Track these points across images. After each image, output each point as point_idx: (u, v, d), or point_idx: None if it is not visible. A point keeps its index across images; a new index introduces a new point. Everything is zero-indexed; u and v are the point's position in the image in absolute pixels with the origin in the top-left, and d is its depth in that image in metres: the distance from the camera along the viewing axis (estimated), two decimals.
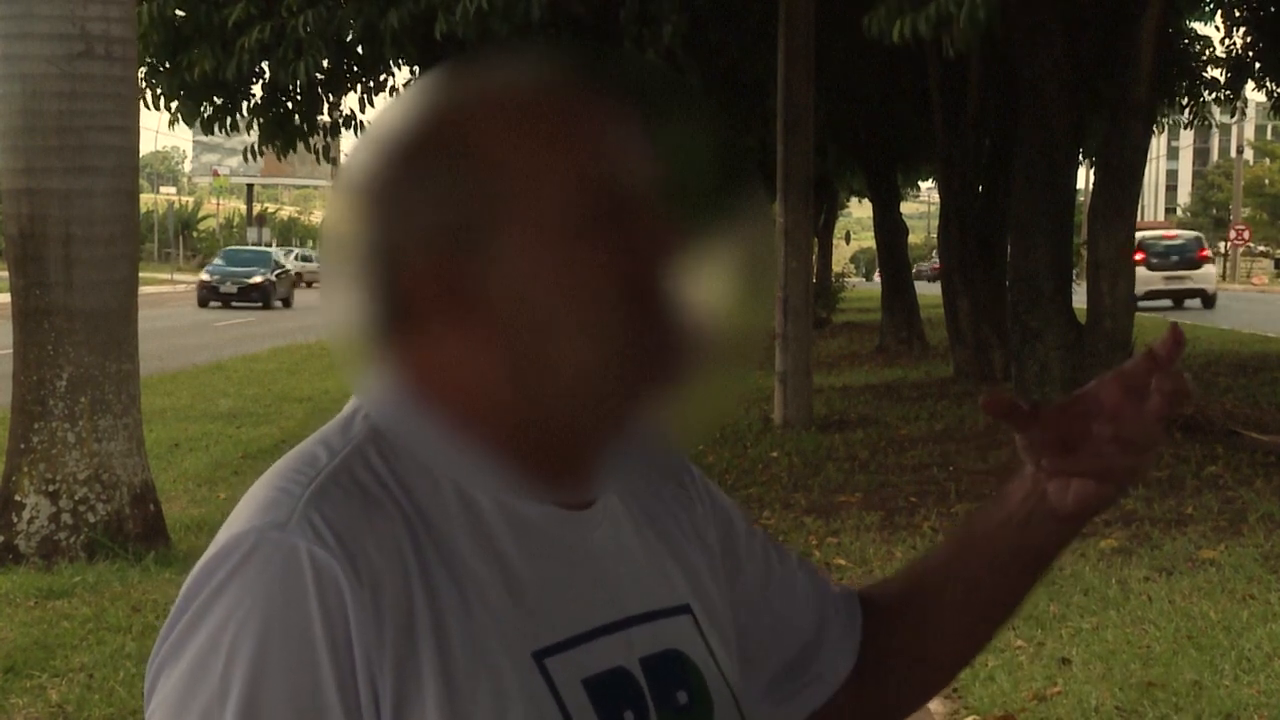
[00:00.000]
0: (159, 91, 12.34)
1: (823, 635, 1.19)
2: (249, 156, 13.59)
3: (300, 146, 13.37)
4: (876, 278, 53.96)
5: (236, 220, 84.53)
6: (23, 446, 6.78)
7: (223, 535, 0.92)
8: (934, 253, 44.73)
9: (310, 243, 74.77)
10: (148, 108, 12.30)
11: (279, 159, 13.97)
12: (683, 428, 1.07)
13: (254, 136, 13.25)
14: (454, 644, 0.91)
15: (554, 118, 0.96)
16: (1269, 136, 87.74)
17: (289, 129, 13.05)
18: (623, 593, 1.01)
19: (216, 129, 12.95)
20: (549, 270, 0.93)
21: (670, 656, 1.02)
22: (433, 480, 0.96)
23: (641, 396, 0.97)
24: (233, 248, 45.48)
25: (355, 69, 12.94)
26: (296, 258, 49.12)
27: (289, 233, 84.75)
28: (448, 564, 0.93)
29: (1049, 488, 1.10)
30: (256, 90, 12.79)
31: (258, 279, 36.69)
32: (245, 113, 12.90)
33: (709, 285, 0.97)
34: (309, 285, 45.42)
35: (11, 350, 6.91)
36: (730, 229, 1.01)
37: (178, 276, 56.45)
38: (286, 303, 38.19)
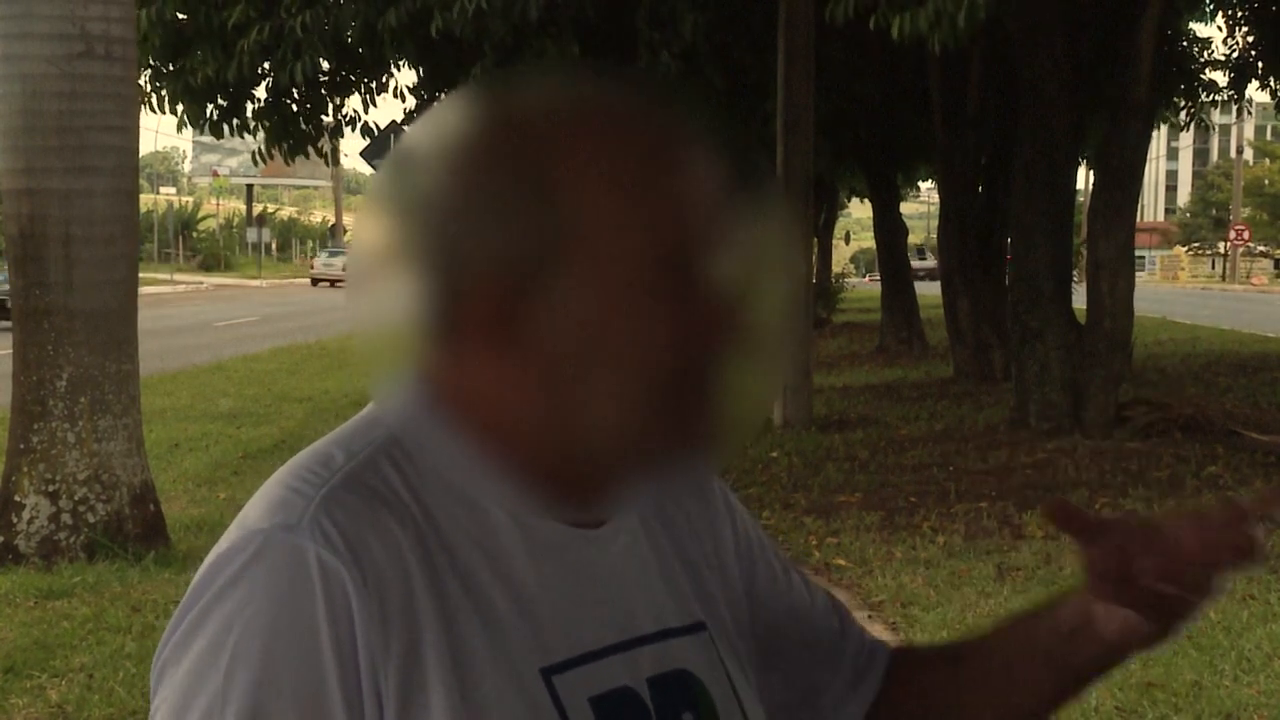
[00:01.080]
0: (163, 94, 12.35)
1: (835, 677, 1.17)
2: (257, 160, 13.58)
3: (308, 150, 13.38)
4: (867, 279, 53.66)
5: (236, 221, 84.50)
6: (22, 447, 6.78)
7: (233, 532, 0.92)
8: (923, 251, 44.43)
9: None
10: (152, 111, 12.32)
11: (287, 163, 13.95)
12: (699, 476, 1.08)
13: (260, 140, 13.25)
14: (461, 655, 0.91)
15: (645, 163, 0.92)
16: (1269, 136, 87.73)
17: (295, 132, 13.04)
18: (635, 611, 1.00)
19: (221, 131, 12.94)
20: (606, 317, 0.91)
21: (678, 677, 1.01)
22: (447, 492, 0.95)
23: (667, 453, 0.96)
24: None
25: (357, 70, 12.94)
26: None
27: (289, 233, 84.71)
28: (458, 575, 0.93)
29: (1097, 609, 1.08)
30: (260, 93, 12.80)
31: None
32: (250, 116, 12.90)
33: (745, 369, 0.96)
34: None
35: (11, 350, 6.91)
36: (772, 321, 1.00)
37: (177, 277, 56.42)
38: None
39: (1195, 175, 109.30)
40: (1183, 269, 75.50)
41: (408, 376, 0.98)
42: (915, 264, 29.41)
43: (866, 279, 52.71)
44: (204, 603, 0.89)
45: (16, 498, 6.75)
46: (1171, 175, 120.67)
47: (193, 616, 0.90)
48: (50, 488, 6.71)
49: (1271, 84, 17.90)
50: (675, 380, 0.93)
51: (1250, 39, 17.31)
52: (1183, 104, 17.94)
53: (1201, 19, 18.26)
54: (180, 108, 12.39)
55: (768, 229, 1.00)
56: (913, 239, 28.85)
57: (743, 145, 1.00)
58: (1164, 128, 19.45)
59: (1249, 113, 20.31)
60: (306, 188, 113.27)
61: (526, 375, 0.93)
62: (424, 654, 0.90)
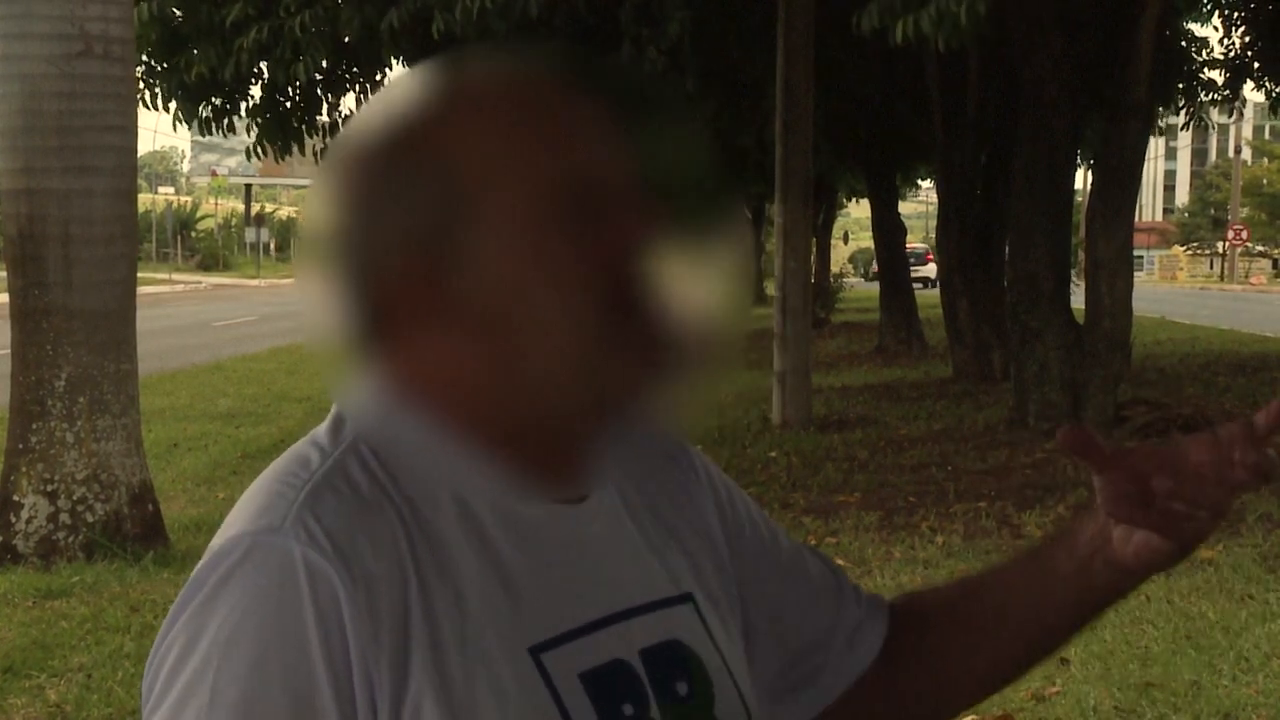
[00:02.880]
0: (157, 91, 12.33)
1: (834, 636, 1.18)
2: (250, 156, 13.59)
3: (298, 147, 13.36)
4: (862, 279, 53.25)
5: (235, 220, 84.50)
6: (21, 446, 6.77)
7: (218, 539, 0.93)
8: (921, 257, 43.69)
9: None
10: (146, 108, 12.30)
11: (277, 161, 13.96)
12: (670, 419, 1.07)
13: (252, 137, 13.25)
14: (450, 642, 0.91)
15: (519, 114, 0.96)
16: (1267, 136, 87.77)
17: (288, 130, 13.04)
18: (622, 585, 1.01)
19: (215, 129, 12.94)
20: (522, 265, 0.94)
21: (670, 647, 1.01)
22: (422, 481, 0.96)
23: (622, 387, 0.97)
24: None
25: (354, 69, 12.93)
26: None
27: (287, 233, 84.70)
28: (442, 562, 0.93)
29: (1114, 534, 1.09)
30: (255, 91, 12.79)
31: None
32: (244, 113, 12.89)
33: (684, 279, 0.97)
34: None
35: (10, 350, 6.91)
36: (704, 222, 1.01)
37: (176, 276, 56.43)
38: None
39: (1194, 175, 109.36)
40: (1181, 269, 75.52)
41: (364, 371, 0.99)
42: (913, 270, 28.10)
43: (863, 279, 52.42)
44: (193, 608, 0.90)
45: (15, 497, 6.75)
46: (1170, 175, 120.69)
47: (183, 622, 0.90)
48: (49, 487, 6.71)
49: (1267, 84, 17.90)
50: (607, 305, 0.94)
51: (1246, 39, 17.32)
52: (1181, 104, 17.94)
53: (1199, 19, 18.27)
54: (174, 105, 12.38)
55: (669, 139, 1.03)
56: (912, 239, 28.78)
57: (635, 79, 1.06)
58: (1162, 130, 19.44)
59: (1241, 113, 20.28)
60: (305, 187, 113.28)
61: (468, 344, 0.95)
62: (414, 644, 0.90)
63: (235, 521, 0.93)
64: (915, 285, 22.75)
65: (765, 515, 1.20)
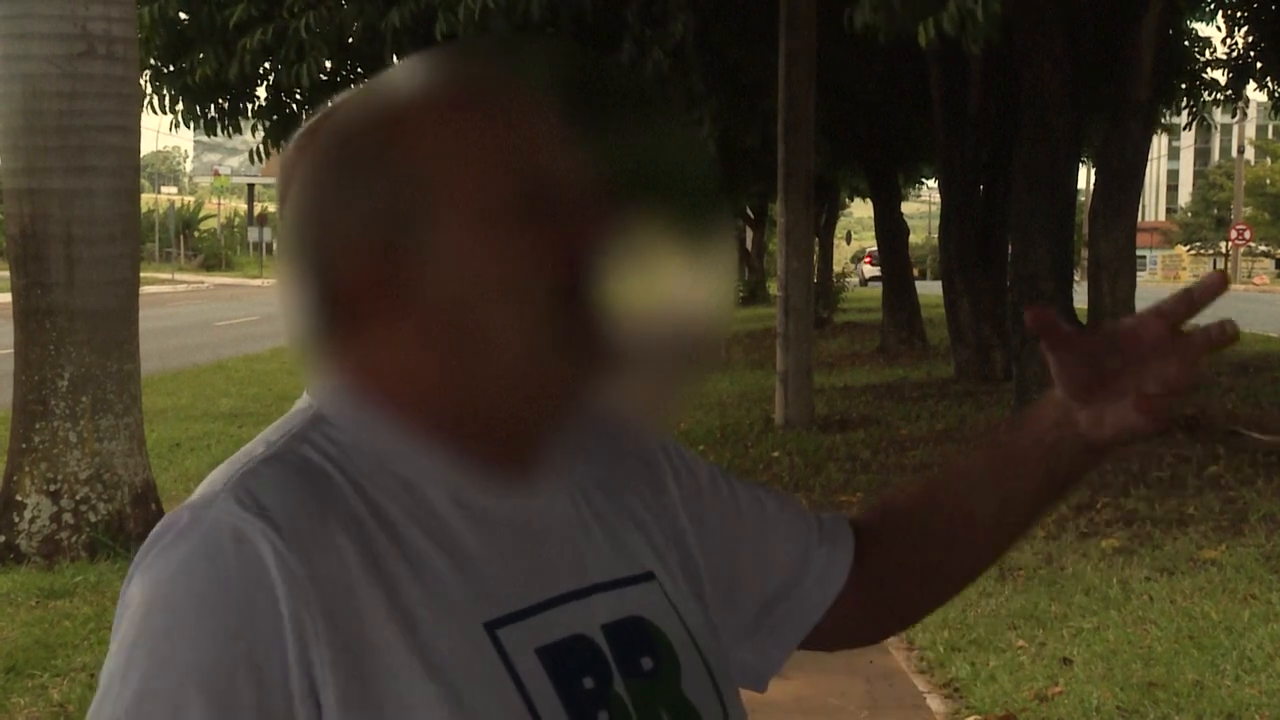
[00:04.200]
0: (163, 94, 12.34)
1: (805, 569, 1.20)
2: (255, 158, 13.59)
3: None
4: (858, 276, 54.08)
5: (238, 220, 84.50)
6: (24, 446, 6.78)
7: (161, 520, 0.94)
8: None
9: None
10: (152, 112, 12.31)
11: None
12: (634, 416, 1.07)
13: (258, 138, 13.26)
14: (401, 612, 0.91)
15: (474, 109, 0.97)
16: (1270, 136, 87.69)
17: (293, 131, 13.04)
18: (580, 565, 1.02)
19: (220, 130, 12.95)
20: (475, 260, 0.95)
21: (633, 623, 1.02)
22: (377, 469, 0.97)
23: (576, 383, 0.98)
24: None
25: (358, 70, 12.94)
26: None
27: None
28: (392, 537, 0.94)
29: (1081, 416, 1.11)
30: (261, 92, 12.80)
31: None
32: (250, 115, 12.91)
33: (660, 276, 0.98)
34: None
35: (13, 350, 6.91)
36: (682, 220, 1.01)
37: (179, 276, 56.46)
38: None
39: (1196, 175, 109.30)
40: (1184, 269, 75.49)
41: (326, 365, 1.00)
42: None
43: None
44: (128, 582, 0.93)
45: (18, 497, 6.75)
46: (1173, 175, 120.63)
47: (120, 605, 0.93)
48: (52, 487, 6.72)
49: (1269, 84, 17.89)
50: (560, 309, 0.95)
51: (1250, 39, 17.30)
52: (1185, 103, 17.93)
53: (1202, 18, 18.26)
54: (179, 107, 12.39)
55: (639, 136, 1.04)
56: (914, 239, 28.69)
57: (608, 77, 1.06)
58: (1164, 129, 19.43)
59: (1244, 114, 20.27)
60: None
61: (423, 339, 0.96)
62: (361, 610, 0.90)
63: (189, 498, 0.95)
64: (878, 283, 23.00)
65: (719, 470, 1.21)
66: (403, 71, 1.01)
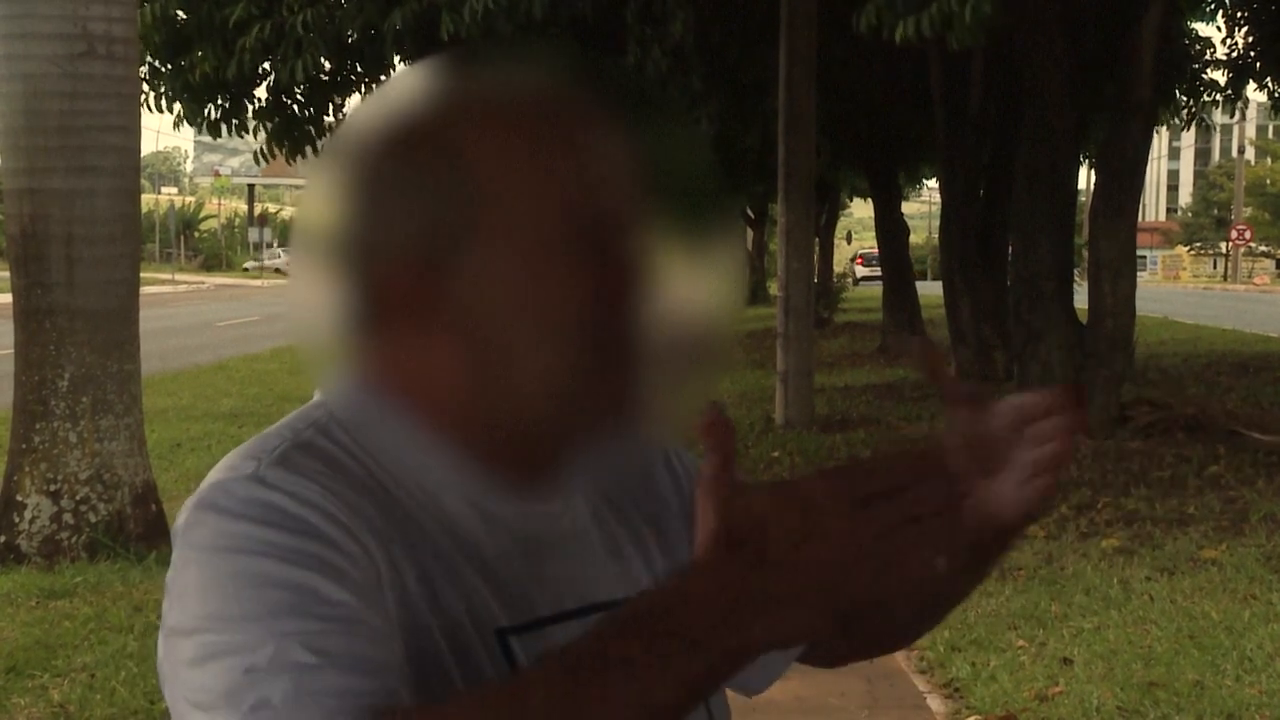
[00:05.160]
0: (162, 92, 12.34)
1: None
2: (258, 159, 13.59)
3: (310, 149, 13.36)
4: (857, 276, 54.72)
5: (238, 221, 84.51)
6: (24, 446, 6.78)
7: (192, 500, 0.93)
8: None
9: None
10: (151, 111, 12.31)
11: (288, 163, 13.97)
12: (649, 434, 1.06)
13: (261, 139, 13.26)
14: (418, 605, 0.92)
15: (544, 130, 0.95)
16: (1270, 136, 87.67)
17: (297, 132, 13.04)
18: (592, 580, 1.02)
19: (222, 131, 12.94)
20: (521, 282, 0.93)
21: None
22: (396, 466, 0.97)
23: (601, 413, 0.97)
24: None
25: (358, 70, 12.94)
26: None
27: (290, 233, 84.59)
28: (413, 534, 0.94)
29: (980, 493, 1.00)
30: (261, 92, 12.80)
31: None
32: (252, 115, 12.90)
33: (679, 284, 0.97)
34: None
35: (13, 350, 6.91)
36: (702, 228, 1.01)
37: (179, 276, 56.46)
38: None
39: (1197, 175, 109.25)
40: (1184, 269, 75.47)
41: (348, 364, 1.00)
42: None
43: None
44: (174, 556, 0.90)
45: (18, 497, 6.75)
46: (1173, 175, 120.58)
47: (169, 576, 0.91)
48: (52, 487, 6.72)
49: (1269, 85, 17.89)
50: (596, 337, 0.94)
51: (1250, 39, 17.30)
52: (1185, 103, 17.93)
53: (1203, 18, 18.25)
54: (178, 106, 12.39)
55: (675, 149, 1.02)
56: (914, 239, 28.66)
57: (645, 88, 1.05)
58: (1166, 126, 19.42)
59: (1244, 114, 20.27)
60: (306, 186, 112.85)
61: (456, 351, 0.95)
62: (406, 578, 0.91)
63: (209, 479, 0.93)
64: (874, 283, 23.13)
65: None
66: (457, 72, 0.99)
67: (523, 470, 0.99)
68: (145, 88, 12.29)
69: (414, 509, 0.95)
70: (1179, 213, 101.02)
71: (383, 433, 0.97)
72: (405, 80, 1.00)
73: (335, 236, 0.97)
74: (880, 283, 21.88)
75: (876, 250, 22.81)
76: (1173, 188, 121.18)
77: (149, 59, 12.01)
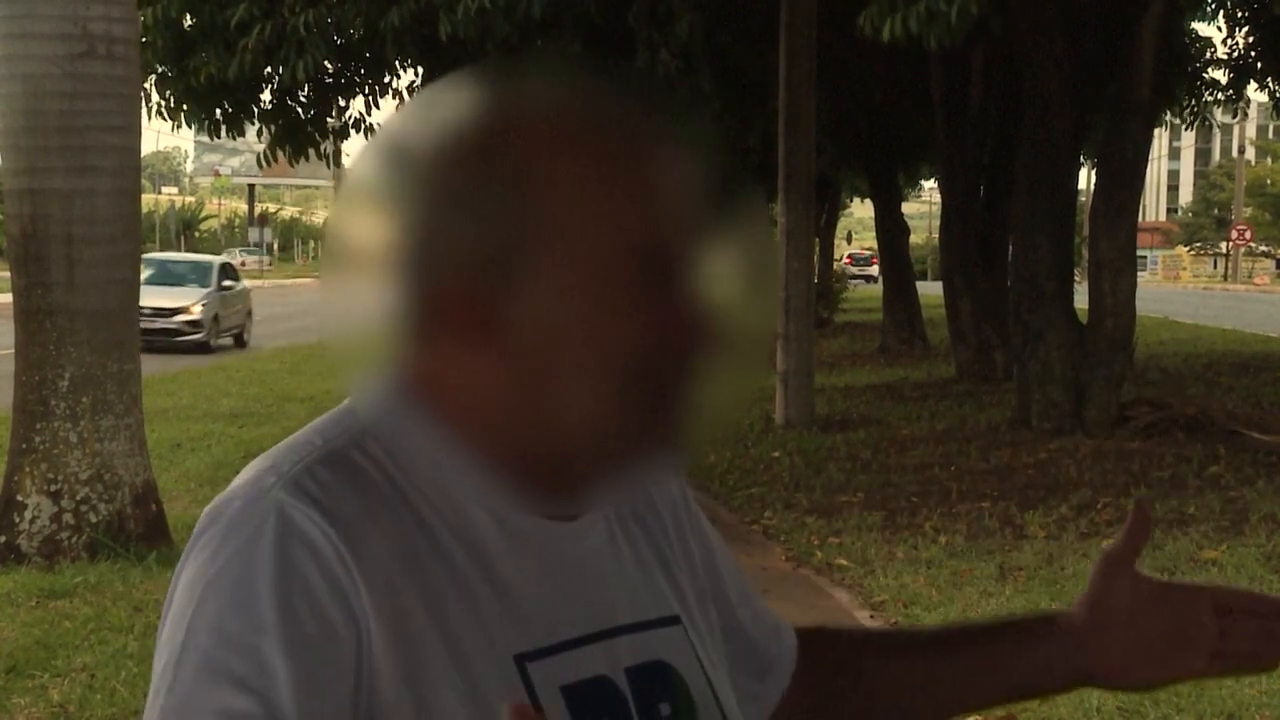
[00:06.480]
0: (166, 95, 12.34)
1: (771, 662, 1.20)
2: (262, 162, 13.59)
3: (314, 151, 13.38)
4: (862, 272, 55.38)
5: (238, 221, 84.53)
6: (25, 446, 6.78)
7: (212, 502, 0.93)
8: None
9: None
10: (156, 117, 12.33)
11: (292, 165, 13.99)
12: (680, 466, 1.07)
13: (264, 142, 13.27)
14: (443, 625, 0.91)
15: (615, 157, 0.93)
16: (1270, 136, 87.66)
17: (300, 135, 13.05)
18: (611, 603, 1.01)
19: (225, 133, 12.95)
20: (578, 313, 0.92)
21: (656, 667, 1.01)
22: (425, 482, 0.96)
23: (638, 451, 0.96)
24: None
25: (360, 71, 12.94)
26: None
27: (290, 233, 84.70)
28: (435, 553, 0.93)
29: (1100, 657, 1.15)
30: (265, 95, 12.80)
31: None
32: (255, 118, 12.91)
33: (723, 314, 0.96)
34: None
35: (13, 350, 6.91)
36: (743, 256, 1.00)
37: None
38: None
39: (1197, 175, 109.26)
40: (1184, 269, 75.46)
41: (383, 372, 0.99)
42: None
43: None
44: (179, 568, 0.91)
45: (19, 497, 6.75)
46: (1173, 175, 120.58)
47: (172, 585, 0.92)
48: (52, 487, 6.72)
49: (1270, 85, 17.90)
50: (647, 379, 0.93)
51: (1250, 40, 17.31)
52: (1186, 103, 17.93)
53: (1203, 18, 18.26)
54: (184, 110, 12.40)
55: (747, 236, 1.00)
56: (915, 239, 28.68)
57: (724, 153, 1.01)
58: (1167, 126, 19.42)
59: (1245, 114, 20.27)
60: (308, 187, 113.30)
61: (501, 371, 0.93)
62: (412, 618, 0.90)
63: (231, 486, 0.93)
64: (859, 281, 23.27)
65: (735, 561, 1.20)
66: (528, 84, 0.96)
67: (554, 488, 0.98)
68: (154, 95, 12.31)
69: (438, 526, 0.94)
70: (1179, 213, 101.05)
71: (416, 443, 0.96)
72: (461, 87, 0.96)
73: (387, 245, 0.94)
74: (868, 282, 21.94)
75: (864, 251, 22.95)
76: (1173, 188, 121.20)
77: (155, 65, 12.01)
